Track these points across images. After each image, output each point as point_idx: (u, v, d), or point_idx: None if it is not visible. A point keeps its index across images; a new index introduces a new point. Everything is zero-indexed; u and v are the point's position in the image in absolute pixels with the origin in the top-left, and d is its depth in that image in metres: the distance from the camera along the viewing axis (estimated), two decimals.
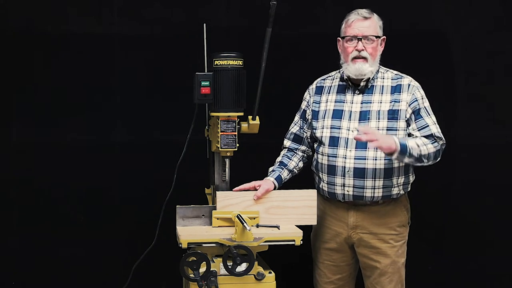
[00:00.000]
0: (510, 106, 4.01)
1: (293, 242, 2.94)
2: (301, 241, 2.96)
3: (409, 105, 3.08)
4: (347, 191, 3.10)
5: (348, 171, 3.07)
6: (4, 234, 3.92)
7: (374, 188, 3.07)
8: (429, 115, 3.10)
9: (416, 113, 3.08)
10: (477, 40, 3.96)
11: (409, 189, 3.21)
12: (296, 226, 3.06)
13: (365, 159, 3.06)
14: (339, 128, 3.12)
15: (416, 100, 3.09)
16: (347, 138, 3.09)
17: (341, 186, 3.11)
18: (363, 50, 3.06)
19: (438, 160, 3.12)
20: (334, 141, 3.12)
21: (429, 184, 3.76)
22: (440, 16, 3.99)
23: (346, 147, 3.09)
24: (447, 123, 3.20)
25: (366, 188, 3.07)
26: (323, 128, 3.18)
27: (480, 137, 4.01)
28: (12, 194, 3.93)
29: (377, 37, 3.10)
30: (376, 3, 3.26)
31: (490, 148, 4.00)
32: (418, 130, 3.07)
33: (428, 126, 3.07)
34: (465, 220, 4.03)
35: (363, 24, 3.08)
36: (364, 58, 3.07)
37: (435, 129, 3.08)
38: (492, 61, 3.97)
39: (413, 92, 3.10)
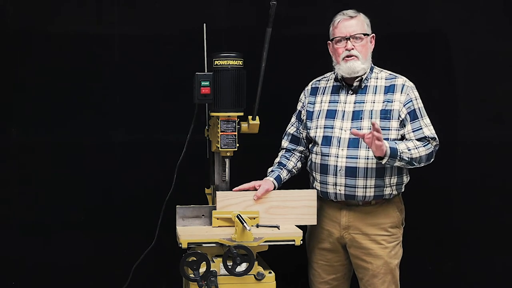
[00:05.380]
0: (510, 106, 4.01)
1: (293, 242, 2.95)
2: (301, 241, 2.96)
3: (404, 106, 3.08)
4: (339, 190, 3.10)
5: (340, 170, 3.08)
6: (4, 234, 3.92)
7: (366, 188, 3.08)
8: (423, 116, 3.11)
9: (411, 115, 3.08)
10: (477, 40, 3.96)
11: (402, 189, 3.20)
12: (296, 226, 3.07)
13: (357, 158, 3.06)
14: (332, 128, 3.14)
15: (411, 101, 3.09)
16: (340, 137, 3.10)
17: (333, 185, 3.11)
18: (353, 49, 3.08)
19: (432, 161, 3.12)
20: (327, 141, 3.14)
21: (429, 184, 3.76)
22: (440, 16, 3.99)
23: (339, 146, 3.10)
24: (447, 123, 3.20)
25: (357, 187, 3.08)
26: (316, 128, 3.19)
27: (480, 137, 4.01)
28: (12, 194, 3.93)
29: (365, 34, 3.11)
30: (376, 3, 3.26)
31: (490, 148, 4.00)
32: (413, 132, 3.08)
33: (421, 128, 3.08)
34: (465, 220, 4.03)
35: (350, 23, 3.10)
36: (355, 57, 3.08)
37: (427, 131, 3.08)
38: (492, 61, 3.97)
39: (407, 92, 3.10)
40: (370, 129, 3.03)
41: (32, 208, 3.92)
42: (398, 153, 2.95)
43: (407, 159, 2.99)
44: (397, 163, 2.99)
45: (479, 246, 4.04)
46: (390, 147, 2.93)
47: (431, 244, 4.01)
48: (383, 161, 2.95)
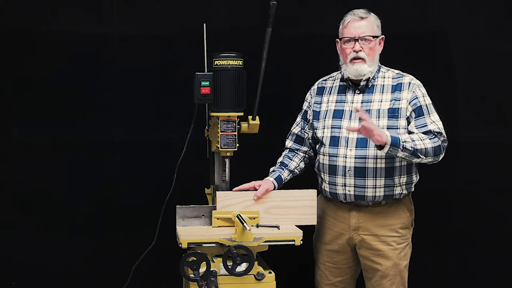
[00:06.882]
0: (510, 106, 4.01)
1: (293, 242, 2.95)
2: (301, 241, 2.96)
3: (409, 103, 3.07)
4: (348, 190, 3.09)
5: (348, 170, 3.07)
6: (4, 233, 3.92)
7: (375, 188, 3.06)
8: (430, 113, 3.08)
9: (417, 111, 3.06)
10: (478, 40, 3.96)
11: (412, 189, 3.19)
12: (296, 226, 3.06)
13: (366, 158, 3.05)
14: (340, 128, 3.12)
15: (417, 98, 3.07)
16: (348, 138, 3.09)
17: (342, 186, 3.10)
18: (360, 50, 3.06)
19: (441, 157, 3.08)
20: (334, 141, 3.12)
21: (429, 184, 3.74)
22: (440, 16, 3.99)
23: (347, 147, 3.08)
24: (447, 123, 3.19)
25: (367, 187, 3.07)
26: (324, 128, 3.18)
27: (481, 137, 4.00)
28: (12, 194, 3.93)
29: (375, 37, 3.10)
30: (376, 3, 3.26)
31: (490, 148, 4.00)
32: (416, 128, 3.05)
33: (426, 124, 3.04)
34: (465, 220, 4.03)
35: (360, 25, 3.08)
36: (362, 59, 3.07)
37: (433, 126, 3.04)
38: (492, 61, 3.97)
39: (413, 90, 3.09)
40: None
41: (32, 208, 3.92)
42: (401, 142, 2.88)
43: (410, 148, 2.91)
44: (400, 153, 2.91)
45: (479, 246, 4.04)
46: (391, 136, 2.88)
47: (431, 244, 4.01)
48: (385, 150, 2.88)
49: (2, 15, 3.85)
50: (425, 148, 2.97)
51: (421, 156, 2.97)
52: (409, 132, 3.07)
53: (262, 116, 3.18)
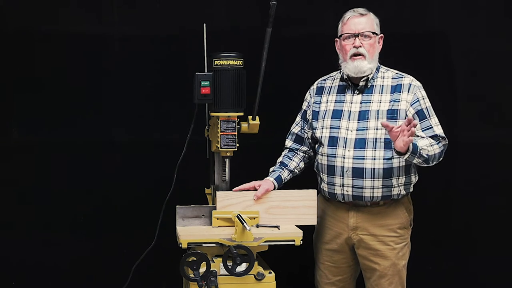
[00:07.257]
0: (510, 106, 4.01)
1: (293, 242, 2.95)
2: (301, 241, 2.96)
3: (411, 105, 3.07)
4: (346, 191, 3.09)
5: (346, 171, 3.07)
6: (4, 233, 3.92)
7: (373, 188, 3.06)
8: (431, 116, 3.09)
9: (419, 114, 3.07)
10: (477, 40, 3.96)
11: (411, 189, 3.19)
12: (296, 226, 3.06)
13: (364, 158, 3.05)
14: (338, 128, 3.12)
15: (418, 101, 3.08)
16: (346, 138, 3.09)
17: (340, 186, 3.10)
18: (360, 46, 3.06)
19: (441, 160, 3.11)
20: (333, 141, 3.12)
21: (429, 184, 3.75)
22: (440, 16, 3.99)
23: (345, 147, 3.08)
24: (447, 123, 3.20)
25: (365, 188, 3.07)
26: (322, 128, 3.18)
27: (480, 137, 4.01)
28: (12, 194, 3.93)
29: (374, 33, 3.10)
30: (377, 3, 3.27)
31: (491, 148, 4.00)
32: (422, 131, 3.06)
33: (431, 127, 3.06)
34: (465, 220, 4.04)
35: (360, 21, 3.09)
36: (362, 55, 3.06)
37: (438, 130, 3.07)
38: (492, 61, 3.97)
39: (414, 92, 3.09)
40: (376, 129, 3.04)
41: (32, 208, 3.92)
42: (418, 150, 2.90)
43: (425, 156, 2.94)
44: (415, 160, 2.94)
45: (479, 246, 4.04)
46: (412, 143, 2.87)
47: (431, 244, 4.01)
48: (404, 157, 2.89)
49: (2, 15, 3.85)
50: (434, 154, 3.01)
51: (430, 163, 3.02)
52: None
53: (262, 116, 3.18)
